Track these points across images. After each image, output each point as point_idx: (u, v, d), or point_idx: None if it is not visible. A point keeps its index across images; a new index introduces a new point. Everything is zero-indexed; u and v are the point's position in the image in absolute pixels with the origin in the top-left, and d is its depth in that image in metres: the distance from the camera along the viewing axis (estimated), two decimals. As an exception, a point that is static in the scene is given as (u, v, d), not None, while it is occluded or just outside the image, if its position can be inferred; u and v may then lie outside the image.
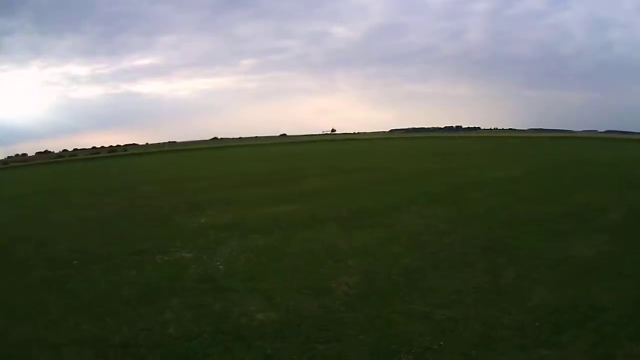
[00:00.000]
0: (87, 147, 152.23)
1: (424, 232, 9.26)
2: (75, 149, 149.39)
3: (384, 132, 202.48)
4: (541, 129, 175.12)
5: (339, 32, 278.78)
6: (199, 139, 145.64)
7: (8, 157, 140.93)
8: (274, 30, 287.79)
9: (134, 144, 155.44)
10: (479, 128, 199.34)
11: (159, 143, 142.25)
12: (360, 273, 6.86)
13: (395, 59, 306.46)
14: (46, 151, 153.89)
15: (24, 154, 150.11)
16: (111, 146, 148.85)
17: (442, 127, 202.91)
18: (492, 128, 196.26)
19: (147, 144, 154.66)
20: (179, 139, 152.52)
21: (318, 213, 11.86)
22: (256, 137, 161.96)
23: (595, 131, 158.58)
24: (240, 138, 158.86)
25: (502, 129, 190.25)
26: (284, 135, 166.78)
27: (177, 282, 6.92)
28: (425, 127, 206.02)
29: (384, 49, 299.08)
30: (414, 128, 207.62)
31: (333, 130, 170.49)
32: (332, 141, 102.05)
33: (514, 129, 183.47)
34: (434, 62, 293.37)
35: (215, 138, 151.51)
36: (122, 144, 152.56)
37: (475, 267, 6.98)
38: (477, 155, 36.75)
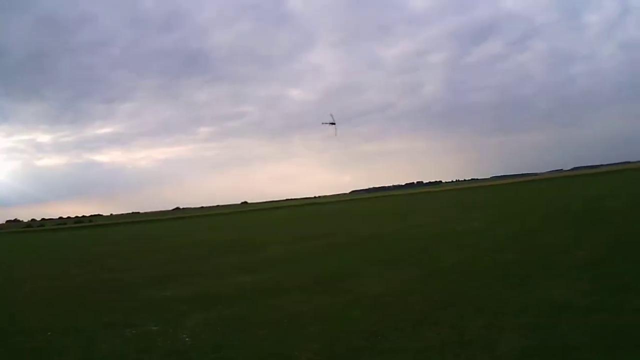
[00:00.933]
0: (54, 217, 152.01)
1: (385, 294, 9.34)
2: (43, 219, 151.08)
3: (345, 193, 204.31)
4: (504, 175, 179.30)
5: (295, 95, 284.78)
6: (162, 209, 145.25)
7: None
8: (231, 95, 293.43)
9: (98, 214, 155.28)
10: (440, 182, 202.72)
11: (122, 214, 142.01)
12: (323, 339, 6.96)
13: (352, 119, 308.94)
14: (15, 220, 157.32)
15: None
16: (77, 217, 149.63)
17: (403, 184, 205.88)
18: (454, 180, 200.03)
19: (111, 214, 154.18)
20: (141, 209, 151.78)
21: (281, 281, 11.99)
22: (217, 205, 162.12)
23: (560, 170, 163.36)
24: (202, 207, 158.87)
25: (464, 180, 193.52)
26: (245, 202, 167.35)
27: (146, 354, 7.00)
28: (386, 185, 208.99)
29: (341, 109, 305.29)
30: (374, 187, 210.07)
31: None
32: (292, 207, 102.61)
33: (476, 179, 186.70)
34: (391, 119, 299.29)
35: (177, 208, 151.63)
36: (87, 215, 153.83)
37: (440, 324, 7.05)
38: (438, 210, 37.57)
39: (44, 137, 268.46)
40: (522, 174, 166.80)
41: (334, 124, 36.15)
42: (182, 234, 40.65)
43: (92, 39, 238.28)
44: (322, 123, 37.44)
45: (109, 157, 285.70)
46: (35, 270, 19.97)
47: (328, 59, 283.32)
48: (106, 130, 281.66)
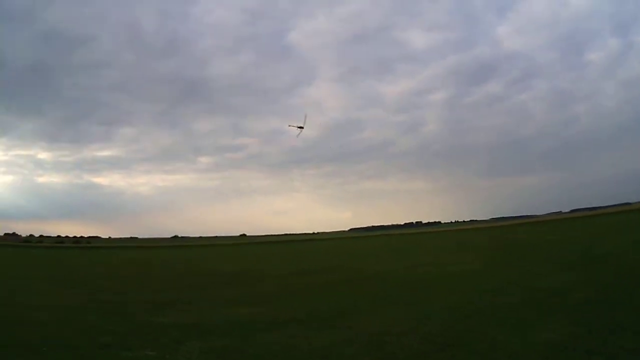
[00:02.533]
0: (52, 235, 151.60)
1: (383, 333, 9.28)
2: (41, 235, 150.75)
3: (344, 231, 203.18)
4: (503, 217, 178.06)
5: (294, 130, 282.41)
6: (160, 236, 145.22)
7: None
8: (231, 126, 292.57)
9: (97, 236, 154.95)
10: (439, 222, 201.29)
11: (120, 237, 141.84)
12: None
13: (351, 156, 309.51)
14: (14, 233, 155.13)
15: None
16: (75, 237, 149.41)
17: (402, 223, 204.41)
18: (453, 221, 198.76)
19: (109, 237, 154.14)
20: (140, 234, 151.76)
21: (277, 315, 11.96)
22: (216, 236, 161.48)
23: (559, 212, 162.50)
24: (200, 237, 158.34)
25: (463, 221, 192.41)
26: (244, 235, 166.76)
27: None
28: (385, 224, 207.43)
29: (340, 146, 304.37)
30: (373, 226, 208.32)
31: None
32: (291, 242, 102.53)
33: (475, 220, 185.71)
34: (391, 157, 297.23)
35: (176, 236, 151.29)
36: (85, 236, 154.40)
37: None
38: (437, 251, 37.42)
39: (43, 154, 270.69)
40: (521, 216, 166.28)
41: (301, 127, 35.80)
42: (180, 262, 40.84)
43: (92, 59, 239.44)
44: (289, 125, 37.38)
45: (109, 180, 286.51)
46: (33, 287, 20.01)
47: (328, 94, 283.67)
48: (106, 153, 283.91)
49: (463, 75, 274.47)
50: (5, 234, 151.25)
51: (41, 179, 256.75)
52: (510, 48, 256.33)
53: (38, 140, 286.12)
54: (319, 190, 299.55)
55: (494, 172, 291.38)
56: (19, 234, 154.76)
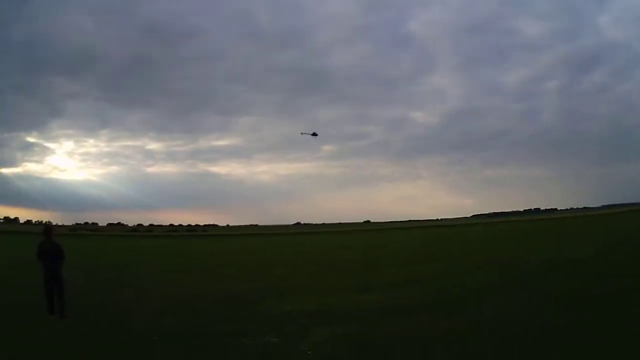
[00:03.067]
0: (163, 224, 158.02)
1: (504, 320, 9.11)
2: (151, 225, 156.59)
3: (466, 217, 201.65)
4: (617, 204, 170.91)
5: (418, 118, 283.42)
6: (281, 224, 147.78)
7: (76, 224, 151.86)
8: (354, 115, 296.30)
9: (214, 224, 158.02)
10: (555, 209, 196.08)
11: (239, 225, 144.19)
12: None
13: (472, 144, 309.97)
14: (119, 223, 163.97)
15: (94, 224, 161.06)
16: (189, 225, 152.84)
17: (522, 210, 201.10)
18: (569, 208, 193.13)
19: (227, 225, 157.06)
20: (260, 222, 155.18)
21: (403, 301, 11.69)
22: (339, 223, 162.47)
23: None
24: (323, 224, 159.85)
25: (577, 208, 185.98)
26: (368, 222, 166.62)
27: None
28: (505, 210, 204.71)
29: (462, 134, 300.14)
30: (494, 212, 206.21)
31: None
32: (415, 228, 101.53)
33: (588, 207, 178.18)
34: (510, 145, 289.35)
35: (298, 223, 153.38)
36: (201, 224, 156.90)
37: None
38: (553, 237, 36.94)
39: (153, 145, 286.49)
40: (632, 203, 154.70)
41: (315, 134, 36.45)
42: (302, 249, 41.44)
43: (203, 52, 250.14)
44: (302, 133, 37.80)
45: (227, 169, 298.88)
46: (143, 275, 20.79)
47: (449, 83, 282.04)
48: (224, 142, 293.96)
49: (572, 64, 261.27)
50: (109, 224, 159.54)
51: (151, 169, 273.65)
52: (611, 38, 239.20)
53: (147, 131, 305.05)
54: (441, 178, 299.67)
55: (605, 160, 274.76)
56: (124, 223, 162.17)
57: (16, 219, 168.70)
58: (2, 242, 51.55)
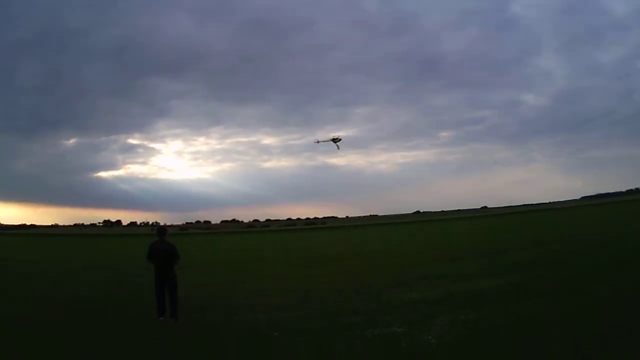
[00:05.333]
0: (281, 218, 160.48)
1: None
2: (267, 220, 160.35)
3: (575, 199, 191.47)
4: None
5: (529, 100, 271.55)
6: (401, 213, 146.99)
7: (187, 223, 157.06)
8: (468, 100, 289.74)
9: (333, 217, 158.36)
10: None
11: (359, 216, 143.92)
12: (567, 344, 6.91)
13: (580, 124, 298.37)
14: (233, 220, 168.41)
15: (207, 221, 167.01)
16: (308, 218, 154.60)
17: (624, 190, 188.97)
18: None
19: (347, 217, 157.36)
20: (380, 212, 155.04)
21: (525, 285, 11.92)
22: (458, 210, 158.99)
23: None
24: (442, 211, 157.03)
25: None
26: (485, 207, 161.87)
27: (391, 355, 7.30)
28: (611, 191, 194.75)
29: (569, 115, 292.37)
30: (600, 194, 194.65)
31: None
32: (530, 212, 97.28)
33: None
34: (613, 125, 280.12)
35: (417, 212, 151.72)
36: (319, 217, 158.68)
37: None
38: None
39: (269, 139, 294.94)
40: None
41: (336, 140, 34.13)
42: (422, 237, 42.02)
43: (313, 43, 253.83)
44: (317, 142, 35.56)
45: (345, 160, 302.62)
46: (262, 269, 21.55)
47: (554, 64, 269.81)
48: (341, 133, 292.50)
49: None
50: (223, 222, 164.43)
51: (267, 164, 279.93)
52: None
53: (261, 126, 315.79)
54: (553, 160, 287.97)
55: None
56: (239, 220, 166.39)
57: (118, 221, 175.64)
58: (106, 244, 55.57)
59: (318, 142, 37.20)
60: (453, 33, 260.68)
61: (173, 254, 10.56)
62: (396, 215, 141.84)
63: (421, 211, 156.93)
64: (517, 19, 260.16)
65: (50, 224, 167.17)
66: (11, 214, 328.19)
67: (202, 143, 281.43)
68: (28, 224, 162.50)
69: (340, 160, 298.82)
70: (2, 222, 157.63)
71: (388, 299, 11.95)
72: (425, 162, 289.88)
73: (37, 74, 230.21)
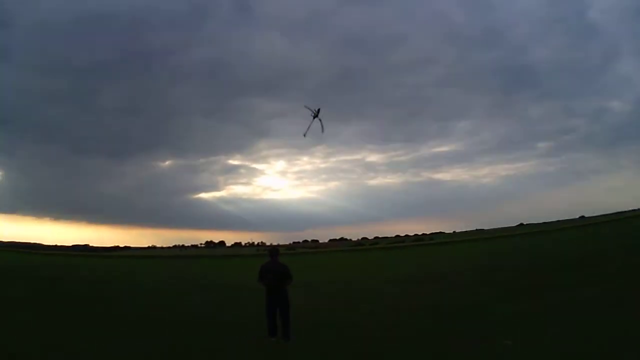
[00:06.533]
0: (389, 236, 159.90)
1: None
2: (376, 237, 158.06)
3: None
4: None
5: (614, 107, 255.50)
6: (505, 226, 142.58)
7: (294, 242, 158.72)
8: (561, 109, 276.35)
9: (440, 232, 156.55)
10: None
11: (465, 231, 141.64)
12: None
13: None
14: (342, 238, 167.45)
15: (315, 240, 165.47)
16: (416, 234, 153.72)
17: None
18: None
19: (453, 232, 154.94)
20: (485, 226, 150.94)
21: (622, 295, 12.36)
22: (558, 220, 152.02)
23: None
24: (544, 223, 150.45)
25: None
26: (582, 217, 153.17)
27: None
28: None
29: None
30: None
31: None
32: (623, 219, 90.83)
33: None
34: None
35: (520, 224, 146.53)
36: (427, 232, 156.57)
37: None
38: None
39: (373, 157, 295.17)
40: None
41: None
42: (527, 249, 41.07)
43: (410, 58, 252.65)
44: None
45: (450, 175, 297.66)
46: (373, 290, 21.20)
47: (633, 69, 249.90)
48: (444, 148, 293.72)
49: None
50: (331, 240, 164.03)
51: (373, 182, 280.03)
52: None
53: (365, 144, 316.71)
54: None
55: None
56: (347, 238, 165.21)
57: (222, 242, 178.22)
58: (212, 265, 56.71)
59: (305, 135, 36.86)
60: (539, 43, 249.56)
61: (286, 275, 10.68)
62: (501, 228, 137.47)
63: (524, 223, 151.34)
64: (596, 25, 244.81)
65: (146, 246, 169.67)
66: (101, 236, 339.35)
67: (306, 162, 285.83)
68: (121, 245, 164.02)
69: (445, 175, 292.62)
70: (91, 244, 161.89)
71: (499, 312, 12.33)
72: (525, 173, 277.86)
73: (123, 96, 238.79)
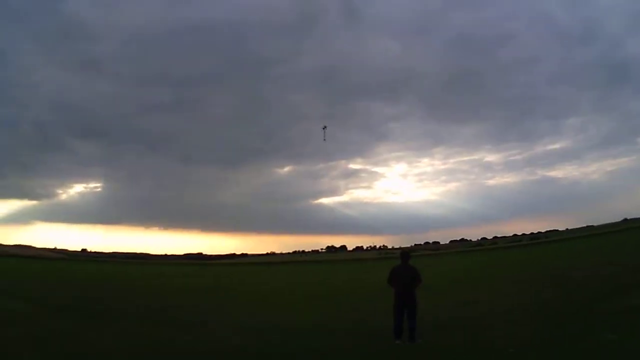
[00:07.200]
0: (507, 235, 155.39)
1: None
2: (495, 237, 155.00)
3: None
4: None
5: None
6: (611, 222, 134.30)
7: (415, 244, 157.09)
8: None
9: (554, 230, 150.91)
10: None
11: (576, 228, 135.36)
12: None
13: None
14: (462, 239, 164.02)
15: (435, 242, 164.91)
16: (532, 233, 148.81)
17: None
18: None
19: (566, 229, 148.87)
20: (594, 222, 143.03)
21: None
22: None
23: None
24: None
25: None
26: None
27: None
28: None
29: None
30: None
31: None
32: None
33: None
34: None
35: (625, 219, 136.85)
36: (542, 231, 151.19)
37: None
38: None
39: (491, 157, 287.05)
40: None
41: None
42: (632, 244, 38.44)
43: (520, 56, 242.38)
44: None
45: (562, 172, 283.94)
46: (492, 287, 21.22)
47: None
48: (556, 146, 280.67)
49: None
50: (451, 242, 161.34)
51: (491, 182, 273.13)
52: None
53: (483, 144, 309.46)
54: None
55: None
56: (467, 239, 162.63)
57: (343, 247, 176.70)
58: (340, 269, 58.42)
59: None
60: (634, 36, 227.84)
61: (416, 278, 10.89)
62: (607, 224, 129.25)
63: (628, 218, 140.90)
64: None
65: (265, 252, 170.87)
66: (216, 244, 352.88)
67: (426, 164, 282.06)
68: (238, 253, 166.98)
69: (558, 172, 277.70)
70: (204, 253, 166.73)
71: (605, 306, 12.10)
72: (628, 168, 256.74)
73: (234, 105, 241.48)
